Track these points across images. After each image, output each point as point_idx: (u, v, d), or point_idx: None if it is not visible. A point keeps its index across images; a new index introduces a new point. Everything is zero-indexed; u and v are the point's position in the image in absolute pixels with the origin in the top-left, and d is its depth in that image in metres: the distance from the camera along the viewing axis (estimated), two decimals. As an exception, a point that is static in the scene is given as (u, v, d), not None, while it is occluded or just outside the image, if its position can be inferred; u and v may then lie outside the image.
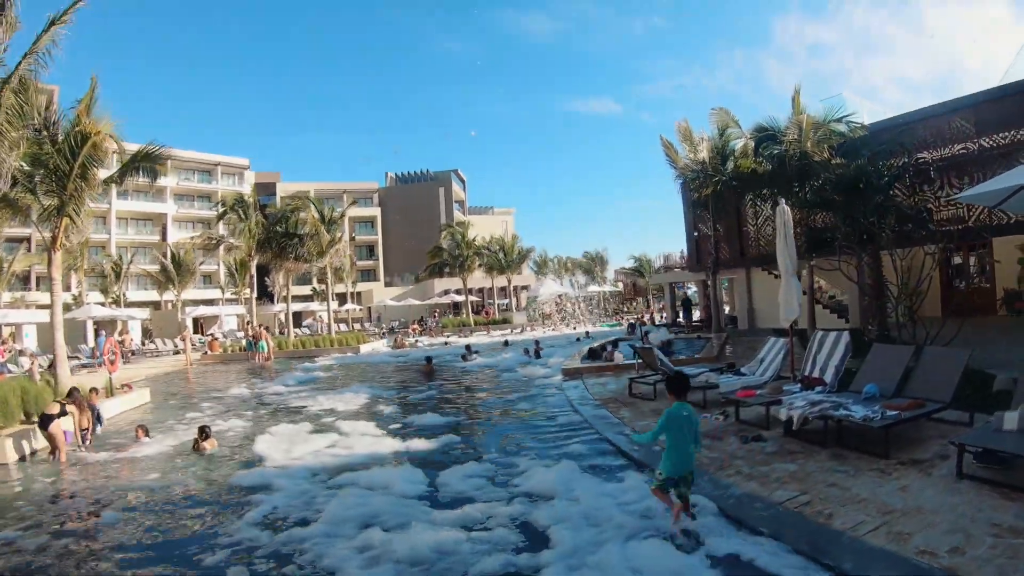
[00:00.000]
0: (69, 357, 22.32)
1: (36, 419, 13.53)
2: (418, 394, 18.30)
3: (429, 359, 23.95)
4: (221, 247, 43.25)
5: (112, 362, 19.31)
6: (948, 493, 6.21)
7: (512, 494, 7.96)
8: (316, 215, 39.60)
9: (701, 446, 6.69)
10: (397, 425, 13.37)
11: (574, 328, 44.36)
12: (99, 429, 14.06)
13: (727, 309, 31.74)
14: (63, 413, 12.33)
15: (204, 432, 12.09)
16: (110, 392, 18.06)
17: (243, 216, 37.78)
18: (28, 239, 51.82)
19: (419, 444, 11.11)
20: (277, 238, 38.23)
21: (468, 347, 28.75)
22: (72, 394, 13.34)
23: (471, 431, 12.57)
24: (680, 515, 6.27)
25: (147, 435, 12.97)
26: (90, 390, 14.67)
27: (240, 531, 7.27)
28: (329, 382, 22.65)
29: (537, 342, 27.89)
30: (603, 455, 9.58)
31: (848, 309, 22.13)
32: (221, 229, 41.80)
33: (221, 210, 39.73)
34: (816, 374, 10.42)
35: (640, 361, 15.17)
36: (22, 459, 12.21)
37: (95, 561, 6.80)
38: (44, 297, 46.76)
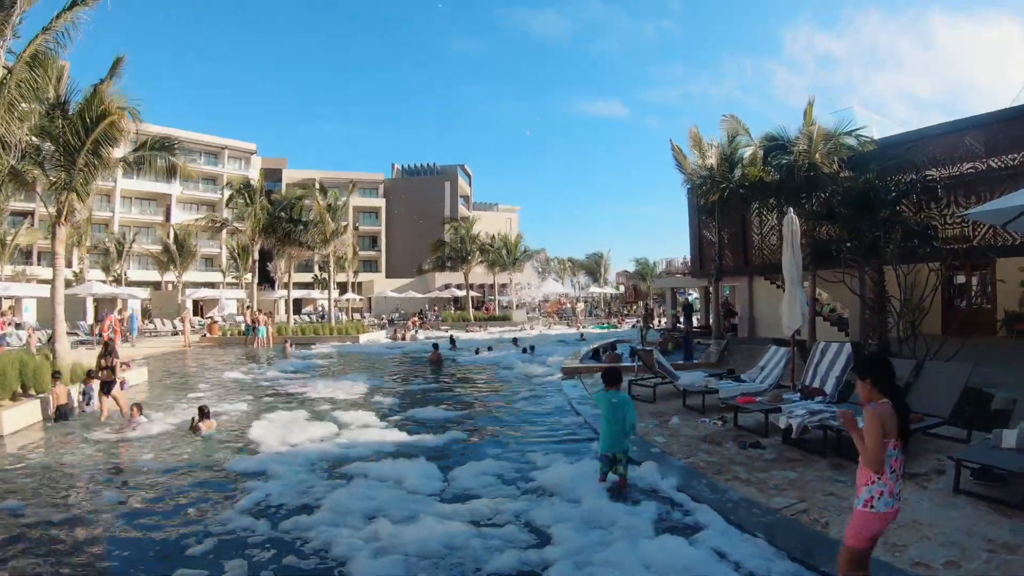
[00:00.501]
0: (68, 333, 22.32)
1: (33, 392, 13.82)
2: (416, 386, 18.44)
3: (436, 346, 24.47)
4: (224, 230, 43.26)
5: (111, 339, 19.39)
6: (944, 507, 6.25)
7: (520, 491, 7.97)
8: (322, 203, 39.68)
9: (635, 432, 8.08)
10: (397, 417, 13.37)
11: (576, 328, 44.26)
12: (89, 407, 14.20)
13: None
14: (112, 370, 13.38)
15: (203, 412, 12.10)
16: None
17: (249, 200, 37.90)
18: (32, 213, 51.87)
19: (419, 438, 11.10)
20: (282, 223, 38.32)
21: (452, 339, 30.08)
22: (108, 347, 13.97)
23: (472, 427, 12.47)
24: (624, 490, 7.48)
25: (141, 413, 12.88)
26: (87, 373, 14.87)
27: (237, 518, 7.20)
28: (327, 370, 22.78)
29: (516, 339, 29.73)
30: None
31: (848, 322, 22.13)
32: (226, 212, 41.78)
33: (229, 193, 39.84)
34: (816, 384, 10.43)
35: (640, 363, 15.19)
36: (37, 426, 12.63)
37: (88, 542, 6.76)
38: (45, 272, 46.95)
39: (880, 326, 15.28)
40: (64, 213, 17.29)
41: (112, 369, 13.45)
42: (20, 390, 13.70)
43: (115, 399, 13.38)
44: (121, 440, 11.57)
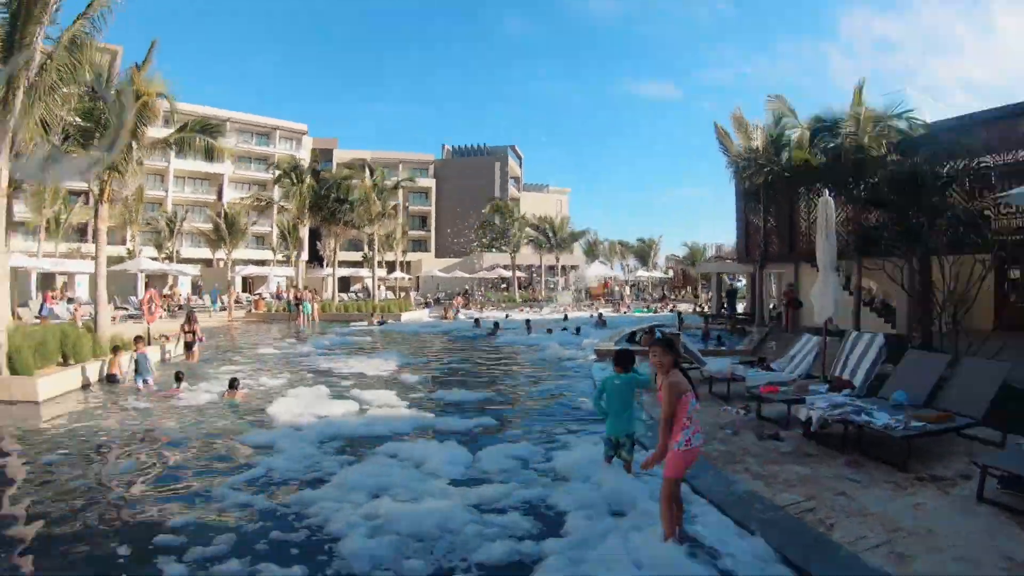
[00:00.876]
0: (119, 307, 23.44)
1: (72, 362, 14.52)
2: (446, 366, 18.57)
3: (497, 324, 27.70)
4: (273, 209, 43.90)
5: (151, 312, 20.08)
6: (964, 516, 5.74)
7: (536, 474, 7.82)
8: (368, 183, 40.07)
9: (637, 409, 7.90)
10: (421, 395, 13.46)
11: (621, 311, 43.70)
12: (151, 379, 14.34)
13: (773, 304, 30.94)
14: (194, 333, 18.53)
15: (233, 384, 12.74)
16: (147, 341, 18.46)
17: (295, 180, 38.49)
18: (87, 193, 53.15)
19: (444, 420, 10.87)
20: (328, 203, 38.87)
21: (477, 320, 31.72)
22: (190, 317, 18.89)
23: (498, 410, 12.18)
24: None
25: (182, 381, 13.61)
26: (135, 339, 15.41)
27: (236, 491, 7.24)
28: (362, 347, 23.00)
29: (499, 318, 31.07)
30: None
31: (896, 313, 21.26)
32: (276, 192, 42.48)
33: (277, 174, 40.30)
34: (846, 376, 9.97)
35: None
36: (74, 394, 13.17)
37: (82, 505, 6.90)
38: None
39: (924, 318, 14.60)
40: (107, 192, 18.00)
41: (194, 332, 18.51)
42: (61, 360, 14.40)
43: (194, 353, 18.27)
44: (150, 407, 12.00)
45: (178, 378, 13.60)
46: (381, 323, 33.39)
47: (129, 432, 10.22)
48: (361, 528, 6.05)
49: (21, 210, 43.63)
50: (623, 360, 7.66)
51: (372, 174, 41.43)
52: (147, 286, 39.53)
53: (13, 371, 12.53)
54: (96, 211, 18.38)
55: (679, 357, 5.78)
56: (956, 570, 4.75)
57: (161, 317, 28.30)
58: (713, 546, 5.48)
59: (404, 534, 5.91)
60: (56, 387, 12.94)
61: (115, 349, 15.06)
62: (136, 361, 14.32)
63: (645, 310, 44.60)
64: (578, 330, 26.38)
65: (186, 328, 18.49)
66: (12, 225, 46.26)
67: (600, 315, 34.12)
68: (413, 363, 18.61)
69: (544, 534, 6.00)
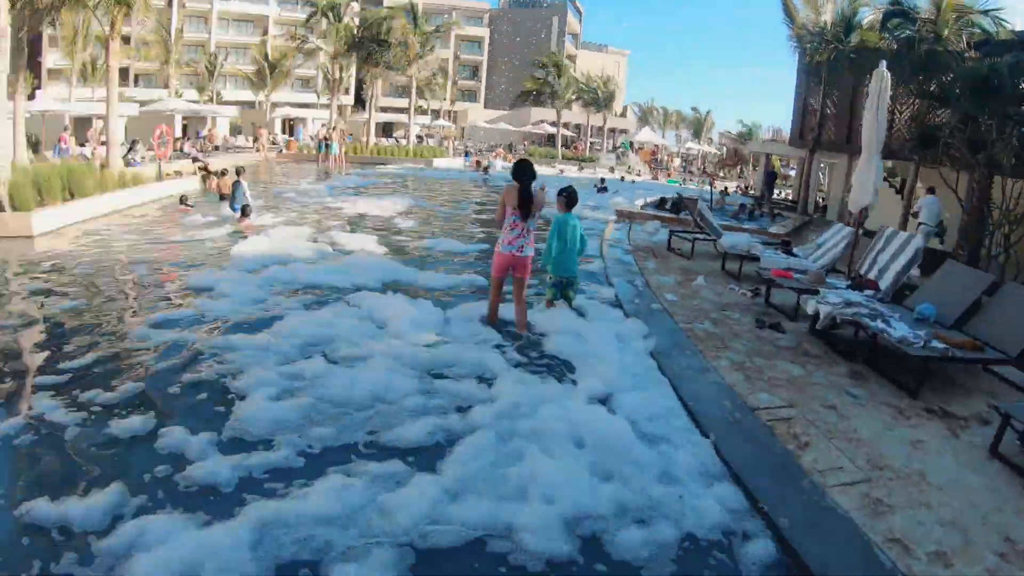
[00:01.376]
0: (149, 148, 23.44)
1: (77, 196, 14.82)
2: (452, 210, 18.80)
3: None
4: (314, 50, 42.48)
5: (161, 148, 20.53)
6: (969, 469, 4.55)
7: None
8: (408, 24, 39.19)
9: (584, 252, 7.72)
10: (404, 240, 13.17)
11: (653, 179, 42.97)
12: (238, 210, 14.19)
13: (822, 195, 29.09)
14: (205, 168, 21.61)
15: (245, 212, 13.78)
16: (159, 177, 19.23)
17: (332, 19, 37.71)
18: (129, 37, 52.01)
19: (415, 273, 9.72)
20: (365, 43, 38.01)
21: (486, 168, 34.45)
22: (195, 159, 23.70)
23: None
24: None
25: (185, 204, 15.88)
26: (236, 170, 15.43)
27: (162, 331, 6.66)
28: (380, 189, 23.31)
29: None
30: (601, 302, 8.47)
31: (946, 229, 19.31)
32: (319, 30, 41.13)
33: (311, 11, 39.36)
34: (873, 275, 8.76)
35: (687, 213, 13.98)
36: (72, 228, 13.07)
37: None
38: (139, 92, 48.36)
39: (972, 234, 13.04)
40: (117, 28, 18.31)
41: (205, 168, 21.77)
42: (69, 196, 14.52)
43: (211, 181, 19.19)
44: (139, 240, 12.04)
45: (183, 200, 16.08)
46: (486, 169, 34.52)
47: (98, 265, 9.79)
48: (271, 388, 5.16)
49: (56, 58, 42.96)
50: (569, 201, 7.46)
51: (415, 15, 40.01)
52: (185, 128, 39.20)
53: (14, 208, 12.37)
54: (107, 48, 18.58)
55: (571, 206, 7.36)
56: (938, 539, 3.68)
57: (198, 159, 27.73)
58: (657, 439, 4.70)
59: (327, 400, 5.04)
60: (53, 222, 12.87)
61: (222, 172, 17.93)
62: (232, 187, 14.47)
63: (673, 181, 44.03)
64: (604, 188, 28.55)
65: (200, 169, 22.14)
66: (51, 73, 46.14)
67: (602, 180, 32.77)
68: (419, 207, 18.51)
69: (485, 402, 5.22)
